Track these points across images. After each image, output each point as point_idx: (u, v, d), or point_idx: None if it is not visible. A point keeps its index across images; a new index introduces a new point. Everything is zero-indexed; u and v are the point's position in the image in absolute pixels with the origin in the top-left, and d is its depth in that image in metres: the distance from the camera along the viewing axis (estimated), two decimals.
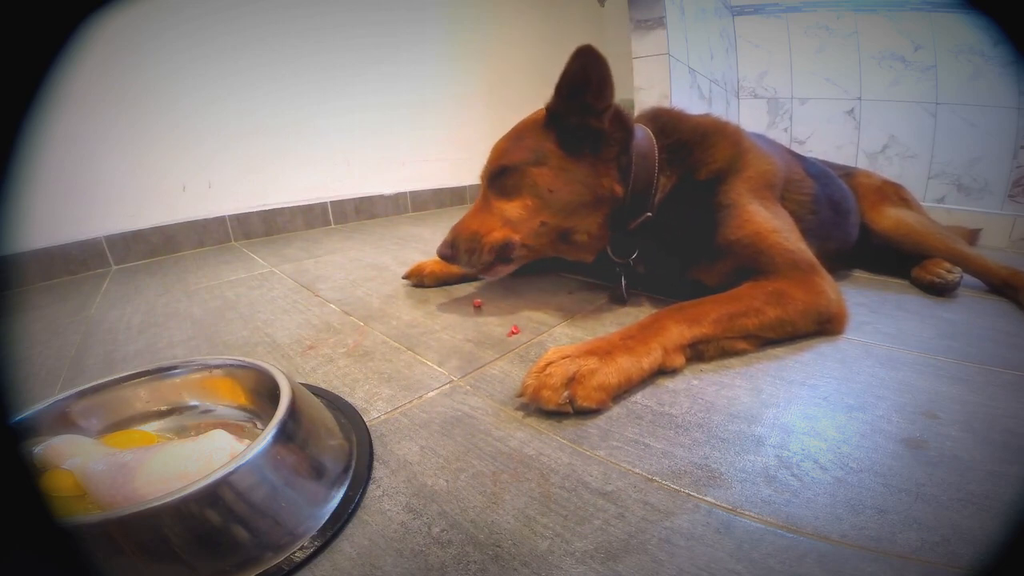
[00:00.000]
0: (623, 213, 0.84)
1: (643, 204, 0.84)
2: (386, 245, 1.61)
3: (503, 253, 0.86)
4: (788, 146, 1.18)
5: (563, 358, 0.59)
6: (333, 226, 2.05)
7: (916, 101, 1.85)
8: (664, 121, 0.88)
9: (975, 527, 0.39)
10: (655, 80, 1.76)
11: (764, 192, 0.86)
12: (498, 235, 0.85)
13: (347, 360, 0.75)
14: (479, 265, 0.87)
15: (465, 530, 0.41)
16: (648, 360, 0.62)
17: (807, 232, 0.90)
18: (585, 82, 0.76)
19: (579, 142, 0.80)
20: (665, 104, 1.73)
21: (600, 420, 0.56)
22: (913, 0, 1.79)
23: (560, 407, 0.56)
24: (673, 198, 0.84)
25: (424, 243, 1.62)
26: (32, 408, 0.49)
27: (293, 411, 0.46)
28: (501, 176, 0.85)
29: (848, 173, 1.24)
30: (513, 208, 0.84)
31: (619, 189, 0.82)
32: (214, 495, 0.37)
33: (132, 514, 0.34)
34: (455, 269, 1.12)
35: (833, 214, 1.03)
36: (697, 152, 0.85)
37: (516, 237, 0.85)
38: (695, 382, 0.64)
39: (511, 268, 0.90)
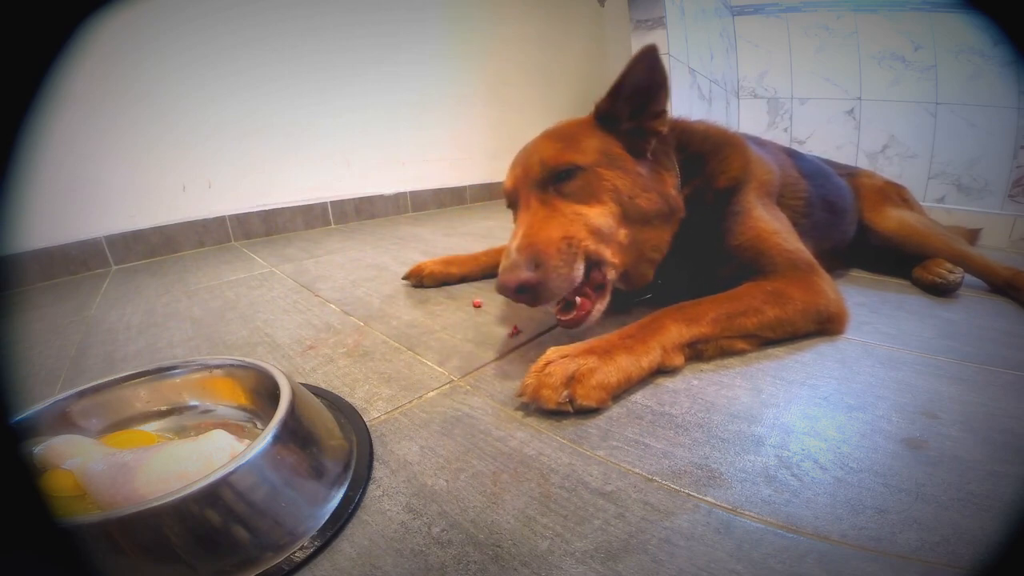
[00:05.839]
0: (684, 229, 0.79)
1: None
2: (386, 245, 1.61)
3: (597, 278, 0.70)
4: (788, 145, 1.18)
5: (563, 357, 0.59)
6: (333, 226, 2.05)
7: (916, 101, 1.85)
8: (678, 133, 0.85)
9: (975, 527, 0.39)
10: None
11: (766, 199, 0.87)
12: (591, 244, 0.68)
13: (347, 360, 0.75)
14: (569, 288, 0.66)
15: (465, 530, 0.41)
16: (647, 359, 0.62)
17: (802, 234, 0.90)
18: (646, 84, 0.73)
19: (640, 146, 0.76)
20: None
21: (600, 420, 0.56)
22: (913, 0, 1.79)
23: (560, 406, 0.56)
24: (688, 209, 0.80)
25: (424, 243, 1.62)
26: (32, 408, 0.49)
27: (293, 411, 0.46)
28: (567, 178, 0.71)
29: (850, 173, 1.24)
30: (597, 214, 0.70)
31: (682, 205, 0.78)
32: (214, 495, 0.37)
33: (132, 514, 0.34)
34: (454, 270, 1.11)
35: (828, 214, 1.03)
36: (712, 164, 0.83)
37: (607, 253, 0.70)
38: (695, 382, 0.64)
39: (606, 302, 0.72)
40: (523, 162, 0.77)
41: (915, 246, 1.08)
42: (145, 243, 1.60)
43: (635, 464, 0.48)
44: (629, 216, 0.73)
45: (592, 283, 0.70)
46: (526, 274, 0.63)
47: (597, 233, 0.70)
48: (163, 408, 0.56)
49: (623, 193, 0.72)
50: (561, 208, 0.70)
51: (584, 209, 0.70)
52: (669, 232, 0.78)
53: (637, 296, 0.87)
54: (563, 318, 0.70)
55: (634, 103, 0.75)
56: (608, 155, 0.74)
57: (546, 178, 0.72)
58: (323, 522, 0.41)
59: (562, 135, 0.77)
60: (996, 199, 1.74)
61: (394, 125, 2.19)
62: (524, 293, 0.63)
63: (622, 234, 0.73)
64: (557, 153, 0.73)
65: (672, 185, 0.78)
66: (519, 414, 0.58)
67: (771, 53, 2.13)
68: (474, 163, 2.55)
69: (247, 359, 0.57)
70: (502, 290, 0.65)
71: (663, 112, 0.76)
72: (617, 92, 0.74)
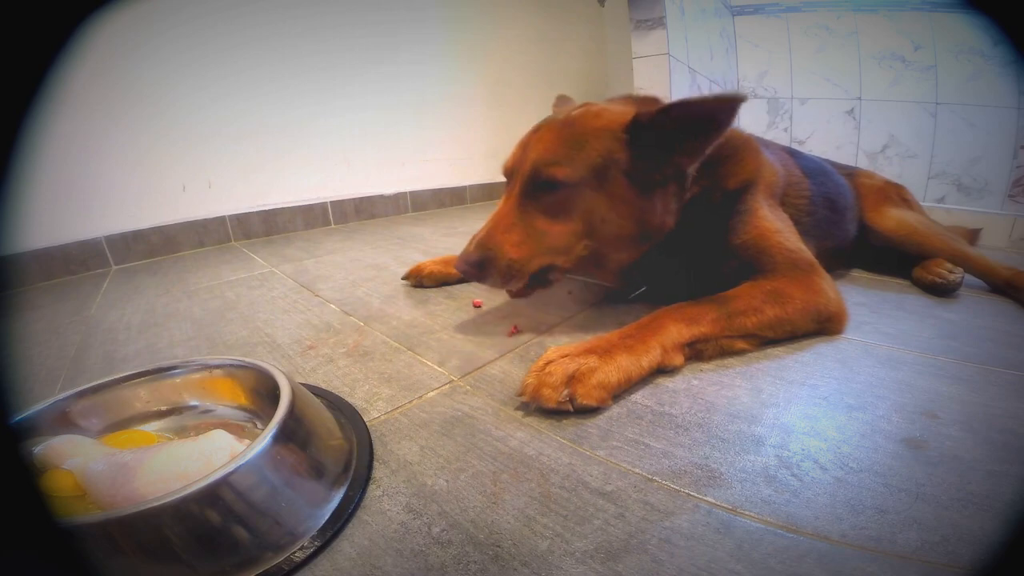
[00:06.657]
0: (667, 241, 0.79)
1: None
2: (386, 245, 1.61)
3: (542, 276, 0.79)
4: (788, 145, 1.18)
5: (563, 357, 0.59)
6: (333, 226, 2.05)
7: (916, 101, 1.85)
8: None
9: (975, 527, 0.39)
10: (655, 80, 1.76)
11: (771, 200, 0.87)
12: (540, 261, 0.76)
13: (347, 360, 0.75)
14: (514, 288, 0.78)
15: (465, 530, 0.41)
16: (647, 359, 0.62)
17: (805, 233, 0.90)
18: (706, 122, 0.69)
19: (650, 175, 0.73)
20: None
21: (600, 420, 0.56)
22: (913, 0, 1.79)
23: (560, 405, 0.56)
24: (693, 208, 0.80)
25: (424, 243, 1.62)
26: (32, 408, 0.49)
27: (293, 411, 0.46)
28: (549, 189, 0.74)
29: (850, 173, 1.24)
30: (560, 234, 0.75)
31: (671, 223, 0.78)
32: (214, 495, 0.37)
33: (132, 514, 0.34)
34: (454, 270, 1.12)
35: (830, 213, 1.03)
36: (727, 165, 0.81)
37: (559, 262, 0.78)
38: (695, 382, 0.64)
39: (546, 288, 0.82)
40: (523, 150, 0.80)
41: (915, 246, 1.08)
42: (145, 243, 1.60)
43: (635, 464, 0.48)
44: (596, 233, 0.76)
45: (539, 279, 0.78)
46: (471, 269, 0.76)
47: (553, 251, 0.76)
48: (163, 408, 0.56)
49: (596, 216, 0.75)
50: (531, 219, 0.76)
51: (549, 227, 0.76)
52: (638, 252, 0.80)
53: (631, 292, 0.88)
54: (508, 290, 0.80)
55: (676, 126, 0.70)
56: (602, 175, 0.73)
57: (532, 185, 0.76)
58: (323, 522, 0.41)
59: (572, 135, 0.74)
60: (996, 199, 1.74)
61: (394, 125, 2.19)
62: (469, 277, 0.78)
63: (582, 246, 0.77)
64: (552, 159, 0.74)
65: (660, 212, 0.76)
66: (519, 414, 0.58)
67: (771, 53, 2.13)
68: (474, 163, 2.55)
69: (247, 359, 0.57)
70: (455, 267, 0.79)
71: (700, 154, 0.72)
72: (670, 109, 0.70)
